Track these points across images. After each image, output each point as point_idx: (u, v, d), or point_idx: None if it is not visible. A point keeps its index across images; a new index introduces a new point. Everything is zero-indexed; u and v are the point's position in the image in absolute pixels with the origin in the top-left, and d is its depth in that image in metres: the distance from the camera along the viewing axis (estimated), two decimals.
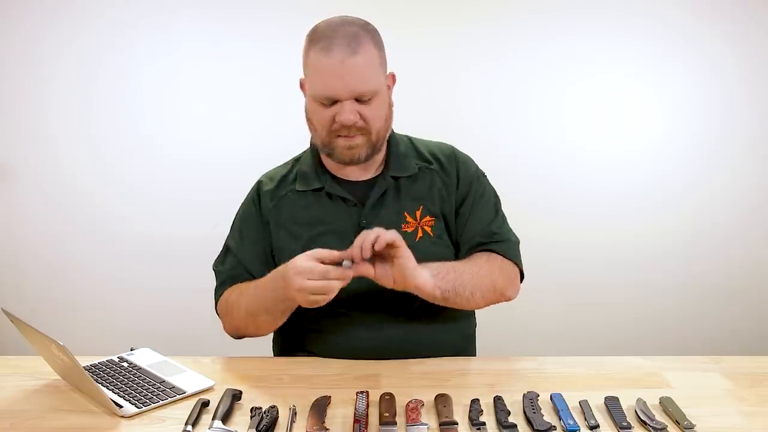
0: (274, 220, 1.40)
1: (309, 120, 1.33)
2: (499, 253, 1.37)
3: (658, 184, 2.56)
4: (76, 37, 2.45)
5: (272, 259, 1.40)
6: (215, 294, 1.44)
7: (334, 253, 1.17)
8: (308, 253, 1.19)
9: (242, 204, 1.48)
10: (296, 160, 1.47)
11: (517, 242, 1.43)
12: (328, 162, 1.39)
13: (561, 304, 2.55)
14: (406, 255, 1.19)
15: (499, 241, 1.39)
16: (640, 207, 2.57)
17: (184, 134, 2.52)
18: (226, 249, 1.46)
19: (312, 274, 1.16)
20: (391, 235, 1.17)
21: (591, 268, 2.59)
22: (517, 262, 1.40)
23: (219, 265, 1.46)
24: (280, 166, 1.49)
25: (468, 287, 1.29)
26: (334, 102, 1.25)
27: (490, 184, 1.46)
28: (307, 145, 1.47)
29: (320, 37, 1.25)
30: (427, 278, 1.23)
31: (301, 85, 1.34)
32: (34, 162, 2.53)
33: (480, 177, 1.45)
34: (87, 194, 2.54)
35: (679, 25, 2.46)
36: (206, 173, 2.52)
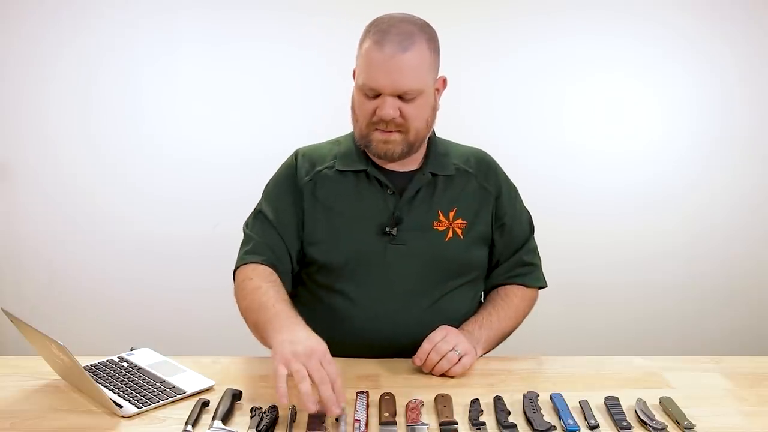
0: (309, 194, 1.38)
1: (352, 109, 1.34)
2: (524, 285, 1.47)
3: (658, 184, 2.56)
4: (76, 37, 2.45)
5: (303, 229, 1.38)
6: (240, 257, 1.39)
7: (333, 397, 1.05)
8: (327, 355, 1.09)
9: (276, 172, 1.45)
10: (334, 142, 1.46)
11: (541, 263, 1.52)
12: None
13: (561, 304, 2.55)
14: (458, 371, 1.25)
15: (525, 274, 1.47)
16: (640, 207, 2.57)
17: (184, 134, 2.52)
18: (258, 213, 1.42)
19: (302, 372, 1.04)
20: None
21: (591, 268, 2.59)
22: (539, 285, 1.50)
23: (250, 229, 1.41)
24: (318, 143, 1.48)
25: (500, 335, 1.40)
26: (378, 95, 1.26)
27: (519, 194, 1.51)
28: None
29: (377, 30, 1.26)
30: (473, 359, 1.29)
31: (354, 74, 1.34)
32: (34, 162, 2.52)
33: (516, 189, 1.50)
34: (87, 194, 2.54)
35: (679, 25, 2.46)
36: (206, 173, 2.52)
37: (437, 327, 1.30)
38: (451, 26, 2.45)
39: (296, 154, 1.45)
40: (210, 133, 2.51)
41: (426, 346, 1.25)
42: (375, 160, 1.37)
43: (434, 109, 1.34)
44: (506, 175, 1.49)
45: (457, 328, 1.34)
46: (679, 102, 2.52)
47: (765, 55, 2.48)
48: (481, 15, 2.45)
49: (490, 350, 1.40)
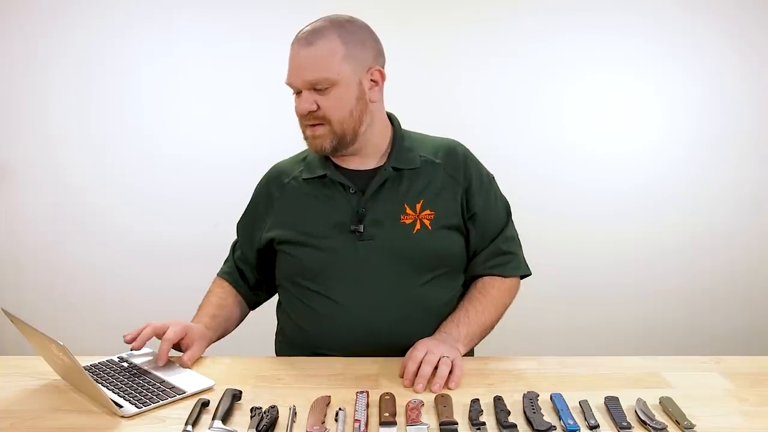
0: (278, 207, 1.44)
1: None
2: (501, 276, 1.45)
3: (658, 184, 2.56)
4: (76, 37, 2.45)
5: (266, 246, 1.46)
6: (220, 269, 1.58)
7: None
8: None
9: (254, 189, 1.54)
10: (302, 153, 1.51)
11: (521, 251, 1.49)
12: None
13: (561, 304, 2.55)
14: (458, 374, 1.22)
15: (502, 264, 1.45)
16: (640, 207, 2.57)
17: (184, 134, 2.52)
18: (236, 229, 1.56)
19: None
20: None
21: (591, 268, 2.59)
22: (519, 274, 1.48)
23: (231, 246, 1.57)
24: (291, 157, 1.54)
25: (480, 329, 1.38)
26: (299, 93, 1.33)
27: (496, 182, 1.49)
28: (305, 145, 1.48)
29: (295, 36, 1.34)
30: (461, 359, 1.27)
31: None
32: (34, 162, 2.53)
33: (491, 177, 1.48)
34: (87, 194, 2.54)
35: (679, 24, 2.47)
36: (206, 173, 2.53)
37: (419, 327, 1.31)
38: (452, 26, 2.47)
39: (269, 172, 1.52)
40: (210, 133, 2.51)
41: (411, 366, 1.21)
42: (335, 161, 1.41)
43: (362, 100, 1.33)
44: (479, 164, 1.47)
45: (439, 320, 1.36)
46: (679, 101, 2.52)
47: (765, 55, 2.48)
48: (482, 15, 2.45)
49: (474, 345, 1.39)
